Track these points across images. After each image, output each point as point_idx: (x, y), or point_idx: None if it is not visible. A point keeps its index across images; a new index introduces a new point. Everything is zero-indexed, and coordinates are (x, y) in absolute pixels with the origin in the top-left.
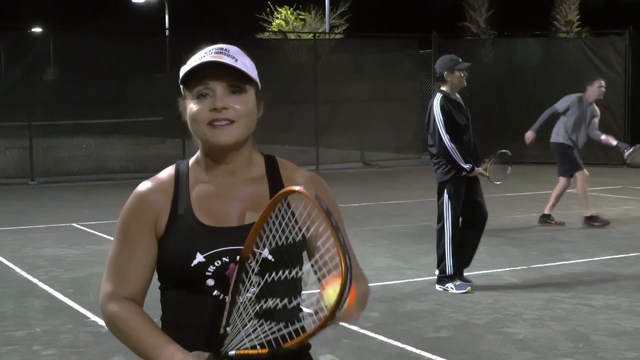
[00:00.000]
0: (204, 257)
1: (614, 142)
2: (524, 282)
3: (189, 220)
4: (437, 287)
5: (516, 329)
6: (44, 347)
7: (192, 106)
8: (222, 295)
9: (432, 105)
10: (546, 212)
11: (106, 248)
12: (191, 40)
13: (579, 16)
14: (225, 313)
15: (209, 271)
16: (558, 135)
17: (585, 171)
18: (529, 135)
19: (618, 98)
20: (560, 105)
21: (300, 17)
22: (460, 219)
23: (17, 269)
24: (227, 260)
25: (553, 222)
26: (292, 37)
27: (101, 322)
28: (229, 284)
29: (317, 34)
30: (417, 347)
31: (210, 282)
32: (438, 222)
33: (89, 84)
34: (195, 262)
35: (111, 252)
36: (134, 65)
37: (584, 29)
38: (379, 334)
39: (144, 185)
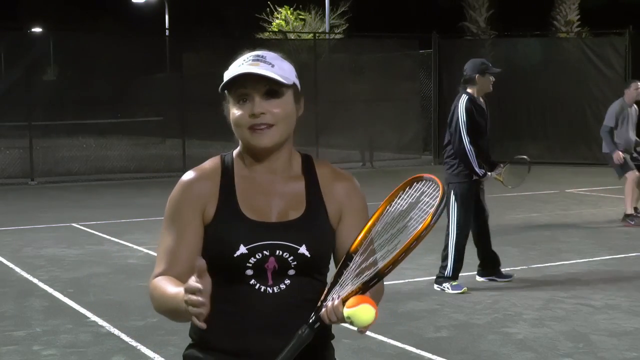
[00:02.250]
0: (247, 248)
1: None
2: (524, 282)
3: (234, 212)
4: (435, 286)
5: (516, 329)
6: (44, 347)
7: (234, 111)
8: (258, 285)
9: (456, 106)
10: (627, 211)
11: (106, 248)
12: (191, 40)
13: (579, 16)
14: (325, 292)
15: (250, 262)
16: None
17: (637, 172)
18: (618, 155)
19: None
20: (609, 121)
21: (300, 17)
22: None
23: (17, 269)
24: (267, 253)
25: (632, 222)
26: (292, 37)
27: (101, 322)
28: (266, 276)
29: (317, 34)
30: (417, 347)
31: (249, 272)
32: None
33: (89, 84)
34: (238, 252)
35: (161, 240)
36: (134, 65)
37: (584, 29)
38: (379, 334)
39: (190, 174)
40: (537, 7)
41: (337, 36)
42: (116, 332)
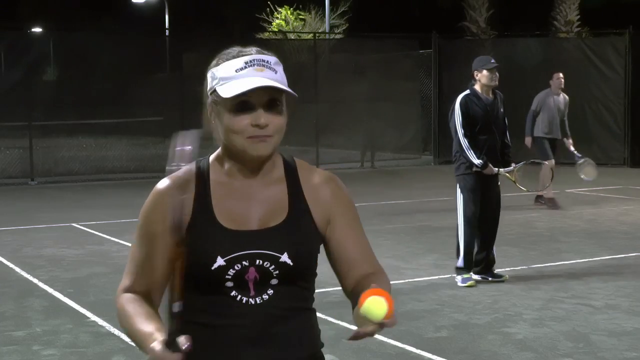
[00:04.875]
0: (225, 260)
1: (571, 148)
2: (524, 282)
3: (210, 222)
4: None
5: (516, 329)
6: (44, 347)
7: (231, 117)
8: (240, 297)
9: (455, 100)
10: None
11: (106, 248)
12: (191, 40)
13: (579, 16)
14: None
15: (229, 274)
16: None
17: (552, 162)
18: (528, 140)
19: (618, 98)
20: (532, 105)
21: (300, 17)
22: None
23: (17, 269)
24: (246, 264)
25: (543, 202)
26: (292, 37)
27: (101, 322)
28: (247, 287)
29: (317, 34)
30: (417, 347)
31: (229, 284)
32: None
33: (89, 84)
34: (215, 265)
35: (131, 249)
36: (134, 65)
37: (584, 29)
38: (379, 334)
39: (164, 183)
40: (537, 7)
41: (337, 36)
42: (116, 332)
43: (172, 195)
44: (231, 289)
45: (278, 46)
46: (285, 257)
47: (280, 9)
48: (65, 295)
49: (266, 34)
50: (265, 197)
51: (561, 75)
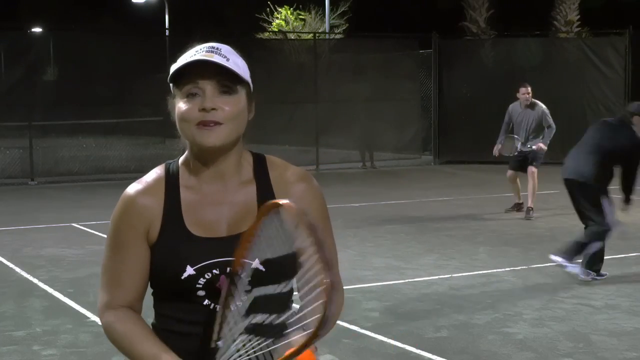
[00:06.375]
0: (194, 269)
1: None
2: (524, 282)
3: (179, 230)
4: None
5: (516, 329)
6: (44, 347)
7: (180, 105)
8: (213, 305)
9: (623, 132)
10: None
11: None
12: (191, 41)
13: (579, 16)
14: (217, 327)
15: (200, 283)
16: None
17: (509, 171)
18: (495, 149)
19: (618, 98)
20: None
21: (300, 17)
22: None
23: (17, 269)
24: (217, 272)
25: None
26: (292, 37)
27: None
28: (219, 295)
29: (317, 34)
30: (417, 347)
31: (201, 293)
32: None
33: (89, 84)
34: (185, 274)
35: (104, 259)
36: (134, 65)
37: (584, 29)
38: (379, 334)
39: (133, 189)
40: (537, 7)
41: (337, 36)
42: None
43: (143, 201)
44: (203, 297)
45: (278, 46)
46: (256, 264)
47: (280, 9)
48: (65, 295)
49: (266, 34)
50: (234, 201)
51: (529, 90)
